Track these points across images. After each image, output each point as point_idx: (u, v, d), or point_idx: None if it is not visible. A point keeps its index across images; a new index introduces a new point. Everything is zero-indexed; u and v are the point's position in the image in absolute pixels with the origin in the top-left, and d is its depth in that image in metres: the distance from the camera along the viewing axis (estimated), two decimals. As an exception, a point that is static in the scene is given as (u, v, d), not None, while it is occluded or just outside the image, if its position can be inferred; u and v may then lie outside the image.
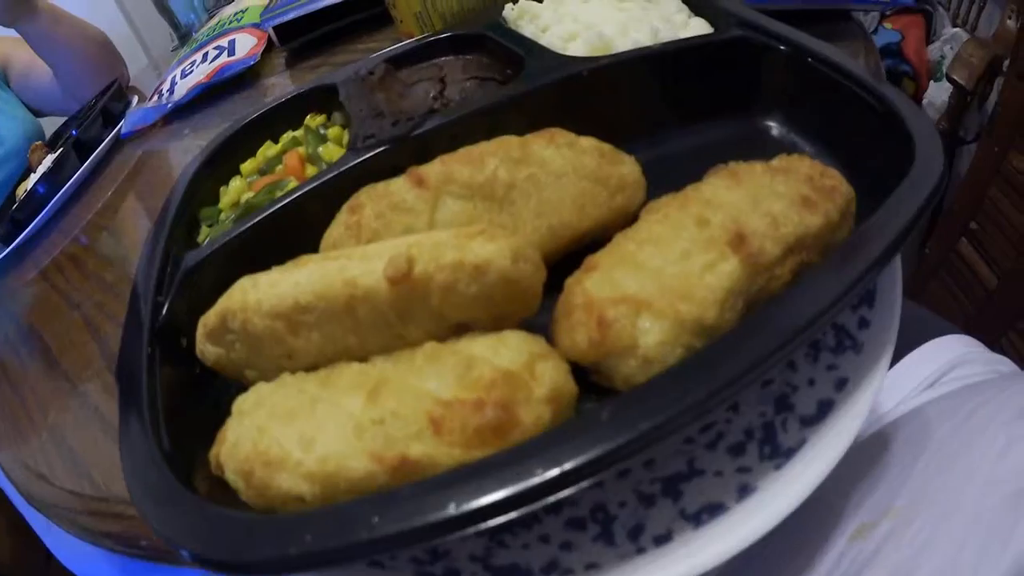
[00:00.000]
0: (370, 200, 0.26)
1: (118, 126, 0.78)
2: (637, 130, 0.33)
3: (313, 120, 0.40)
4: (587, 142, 0.27)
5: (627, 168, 0.26)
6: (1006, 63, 0.83)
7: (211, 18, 1.01)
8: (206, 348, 0.24)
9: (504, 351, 0.19)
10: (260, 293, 0.23)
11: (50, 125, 0.97)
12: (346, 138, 0.36)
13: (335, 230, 0.27)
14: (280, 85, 0.68)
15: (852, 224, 0.24)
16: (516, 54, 0.36)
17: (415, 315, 0.21)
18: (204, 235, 0.35)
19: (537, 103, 0.31)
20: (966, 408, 0.39)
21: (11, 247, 0.67)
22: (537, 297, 0.21)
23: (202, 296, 0.26)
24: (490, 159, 0.25)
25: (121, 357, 0.26)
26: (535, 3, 0.44)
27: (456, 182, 0.25)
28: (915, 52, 0.98)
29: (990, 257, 0.85)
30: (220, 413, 0.23)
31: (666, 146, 0.33)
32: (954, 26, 0.97)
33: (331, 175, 0.28)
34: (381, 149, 0.28)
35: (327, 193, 0.28)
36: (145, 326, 0.27)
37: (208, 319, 0.24)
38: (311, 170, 0.35)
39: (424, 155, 0.28)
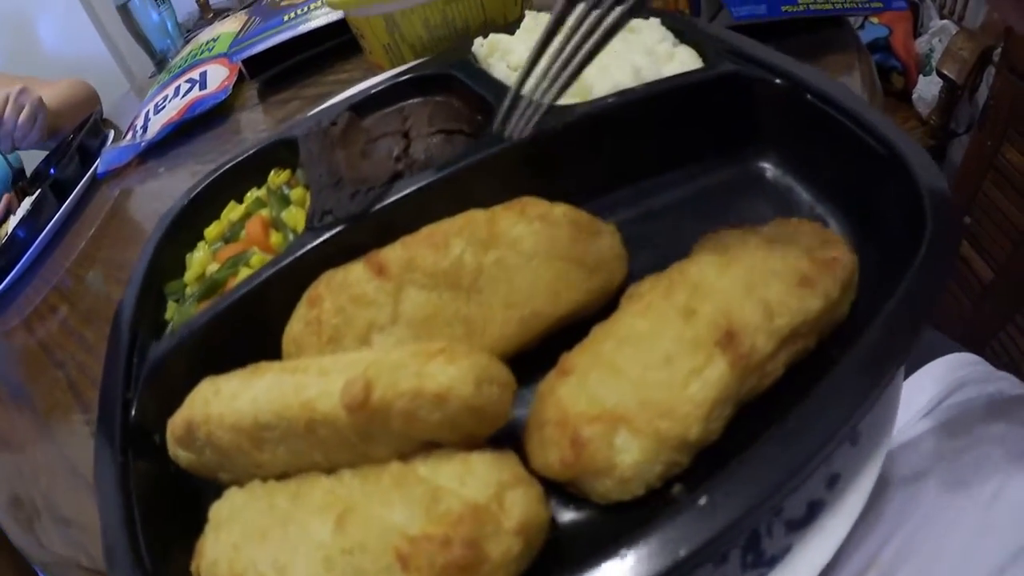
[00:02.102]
0: (329, 292, 0.25)
1: (95, 165, 0.77)
2: (620, 182, 0.32)
3: (277, 176, 0.38)
4: (561, 212, 0.25)
5: (606, 241, 0.25)
6: (996, 52, 0.81)
7: (187, 43, 0.99)
8: (178, 452, 0.24)
9: (471, 481, 0.18)
10: (222, 406, 0.22)
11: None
12: (309, 201, 0.34)
13: (295, 325, 0.25)
14: (252, 121, 0.66)
15: (854, 294, 0.23)
16: (486, 99, 0.34)
17: (377, 437, 0.20)
18: (171, 312, 0.34)
19: (508, 162, 0.29)
20: (959, 443, 0.38)
21: (-7, 295, 0.65)
22: (504, 417, 0.19)
23: (170, 391, 0.26)
24: (455, 241, 0.24)
25: (97, 463, 0.26)
26: (506, 36, 0.42)
27: (419, 269, 0.24)
28: (903, 46, 0.96)
29: (985, 251, 0.84)
30: (200, 509, 0.23)
31: (651, 199, 0.31)
32: (941, 18, 0.95)
33: (289, 259, 0.27)
34: (339, 229, 0.27)
35: (287, 278, 0.27)
36: (116, 427, 0.26)
37: (175, 426, 0.24)
38: (275, 237, 0.34)
39: (386, 231, 0.26)
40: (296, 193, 0.35)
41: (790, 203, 0.30)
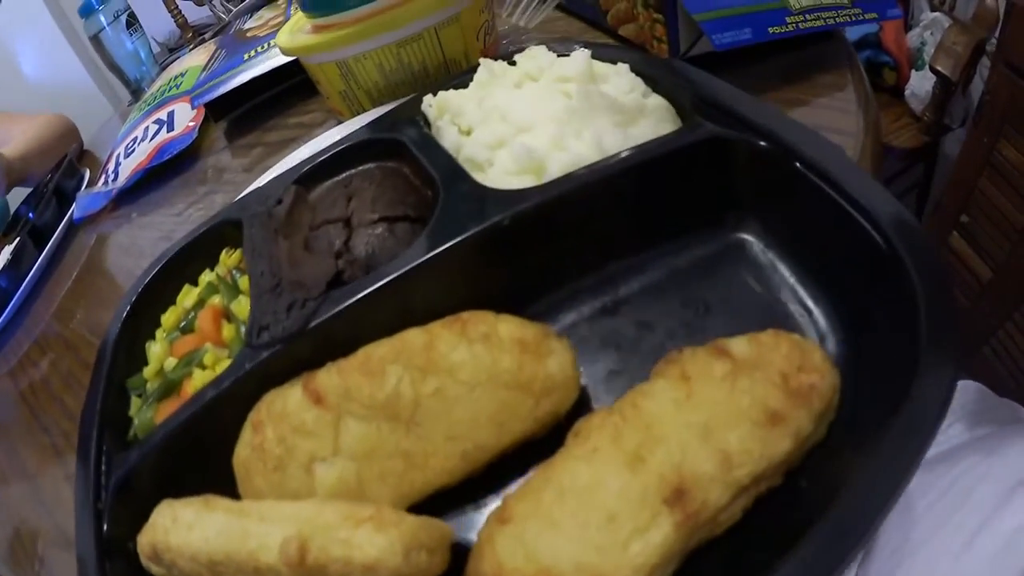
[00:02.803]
0: (270, 420, 0.24)
1: (71, 209, 0.76)
2: (582, 270, 0.30)
3: (228, 257, 0.37)
4: (507, 330, 0.23)
5: (555, 362, 0.23)
6: (991, 42, 0.78)
7: (162, 69, 0.98)
8: (150, 566, 0.25)
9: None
10: (180, 538, 0.23)
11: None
12: (249, 307, 0.33)
13: (242, 451, 0.25)
14: (219, 168, 0.65)
15: (833, 415, 0.21)
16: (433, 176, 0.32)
17: (318, 586, 0.19)
18: (135, 407, 0.34)
19: (452, 262, 0.27)
20: (944, 480, 0.38)
21: (-21, 347, 0.66)
22: (439, 571, 0.19)
23: (139, 501, 0.26)
24: (391, 369, 0.23)
25: (80, 571, 0.26)
26: (458, 92, 0.39)
27: (355, 400, 0.23)
28: (894, 41, 0.92)
29: (983, 250, 0.82)
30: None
31: (619, 286, 0.29)
32: (932, 9, 0.91)
33: (229, 382, 0.26)
34: (276, 348, 0.26)
35: (231, 399, 0.26)
36: (91, 535, 0.27)
37: (143, 546, 0.24)
38: (227, 330, 0.33)
39: (325, 346, 0.26)
40: (245, 282, 0.34)
41: (771, 283, 0.27)
